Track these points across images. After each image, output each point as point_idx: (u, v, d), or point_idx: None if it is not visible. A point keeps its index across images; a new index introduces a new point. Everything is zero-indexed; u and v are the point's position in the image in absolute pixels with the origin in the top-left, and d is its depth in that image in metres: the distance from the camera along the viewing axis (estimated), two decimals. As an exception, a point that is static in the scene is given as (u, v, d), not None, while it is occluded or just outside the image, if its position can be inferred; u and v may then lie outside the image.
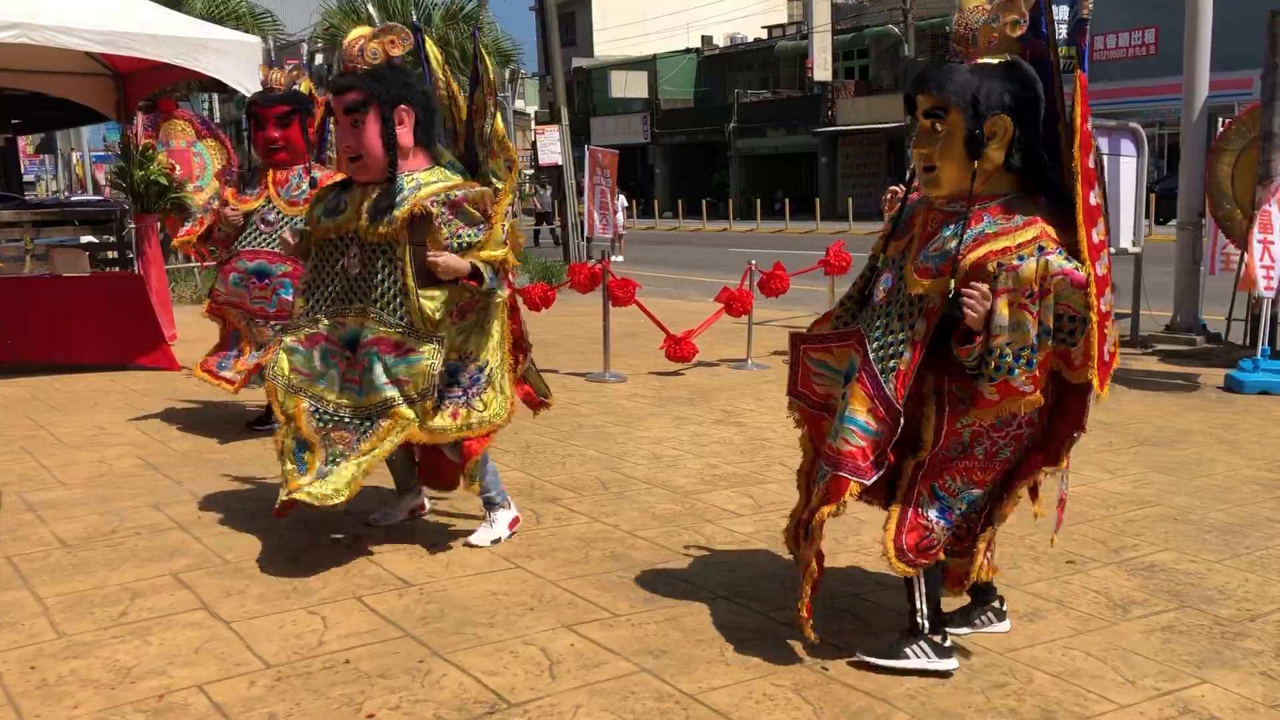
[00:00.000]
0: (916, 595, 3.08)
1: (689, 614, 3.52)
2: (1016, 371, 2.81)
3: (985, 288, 2.81)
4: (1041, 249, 2.82)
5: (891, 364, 2.95)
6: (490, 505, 4.29)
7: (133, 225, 9.35)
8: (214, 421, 6.44)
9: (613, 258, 16.05)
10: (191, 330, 10.02)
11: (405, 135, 3.93)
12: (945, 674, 3.04)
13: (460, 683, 3.06)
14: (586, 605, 3.61)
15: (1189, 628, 3.41)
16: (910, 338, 2.94)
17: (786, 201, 33.34)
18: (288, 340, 4.09)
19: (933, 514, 3.00)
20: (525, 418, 6.49)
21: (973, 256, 2.85)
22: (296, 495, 3.83)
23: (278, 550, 4.15)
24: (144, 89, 9.38)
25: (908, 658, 3.05)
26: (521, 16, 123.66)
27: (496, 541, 4.22)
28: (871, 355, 2.99)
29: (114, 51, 7.71)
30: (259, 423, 6.23)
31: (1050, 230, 2.85)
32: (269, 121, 5.79)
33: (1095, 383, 2.85)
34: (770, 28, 44.44)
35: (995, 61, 2.91)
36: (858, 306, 3.20)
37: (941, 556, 3.06)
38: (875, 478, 2.97)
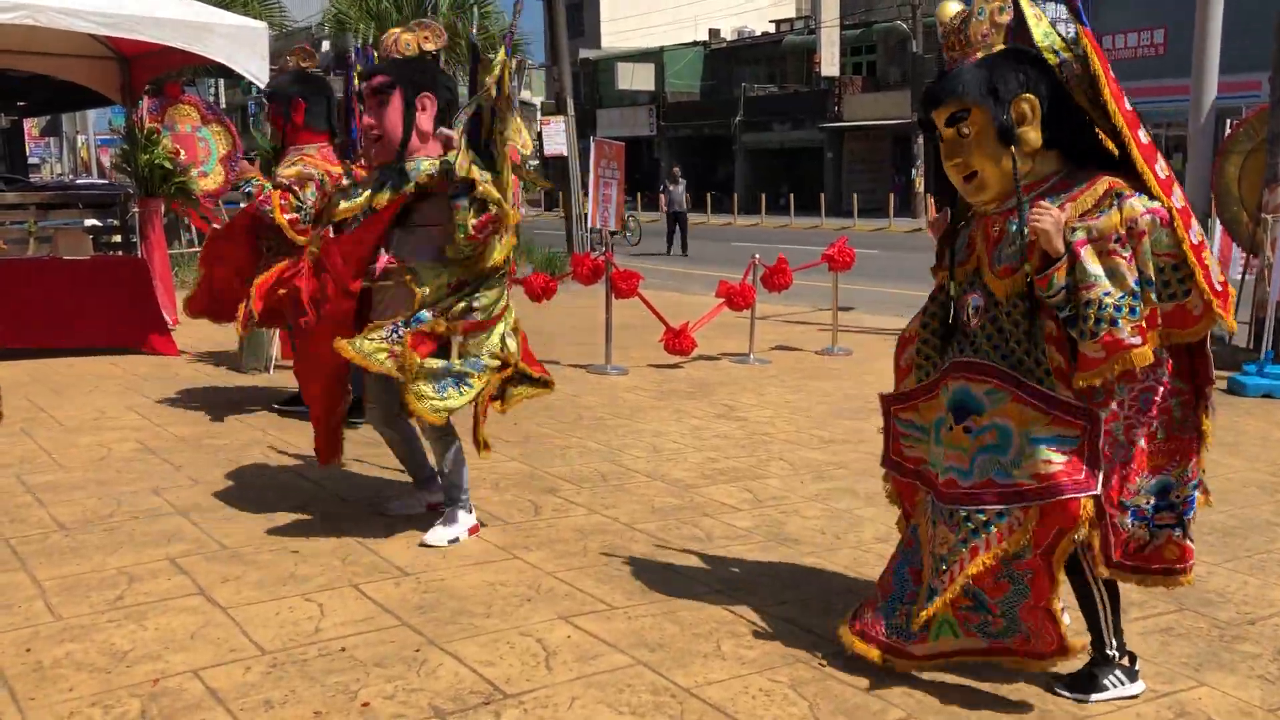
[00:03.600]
0: (1103, 622, 2.96)
1: (686, 608, 3.51)
2: (1120, 322, 2.63)
3: (1048, 204, 2.73)
4: (1120, 195, 2.70)
5: (1044, 369, 2.78)
6: (453, 502, 4.20)
7: (136, 209, 9.35)
8: (214, 407, 6.43)
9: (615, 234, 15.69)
10: (193, 315, 10.01)
11: (425, 121, 4.06)
12: (1134, 697, 2.95)
13: (456, 672, 3.05)
14: (584, 597, 3.60)
15: (1187, 630, 3.40)
16: (1040, 338, 2.79)
17: (791, 196, 33.28)
18: None
19: (1128, 521, 2.84)
20: (526, 408, 6.49)
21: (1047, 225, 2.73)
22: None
23: (275, 536, 4.15)
24: (149, 73, 9.36)
25: (1106, 688, 2.93)
26: (529, 6, 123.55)
27: (454, 541, 4.11)
28: (1013, 370, 2.81)
29: (119, 34, 7.68)
30: (287, 403, 6.25)
31: (1118, 179, 2.75)
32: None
33: (1218, 311, 2.67)
34: (778, 22, 44.33)
35: (996, 50, 2.86)
36: (941, 342, 3.04)
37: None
38: (1100, 486, 2.70)
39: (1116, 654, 2.97)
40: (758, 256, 8.76)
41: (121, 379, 7.30)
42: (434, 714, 2.83)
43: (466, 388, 3.97)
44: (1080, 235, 2.70)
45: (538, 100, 42.22)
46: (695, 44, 44.50)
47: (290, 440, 5.66)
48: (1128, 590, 3.70)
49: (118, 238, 9.78)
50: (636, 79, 42.28)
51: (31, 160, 27.20)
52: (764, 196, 34.24)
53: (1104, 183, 2.76)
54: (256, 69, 7.92)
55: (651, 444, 5.72)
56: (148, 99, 9.65)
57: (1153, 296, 2.69)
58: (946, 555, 2.85)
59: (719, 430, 6.04)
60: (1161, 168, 2.76)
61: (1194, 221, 2.75)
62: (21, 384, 7.06)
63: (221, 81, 36.68)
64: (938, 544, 2.90)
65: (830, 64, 36.14)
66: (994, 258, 2.87)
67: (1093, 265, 2.67)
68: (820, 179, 37.40)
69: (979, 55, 2.86)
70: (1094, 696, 2.93)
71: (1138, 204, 2.70)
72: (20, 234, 9.08)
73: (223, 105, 34.51)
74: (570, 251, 16.34)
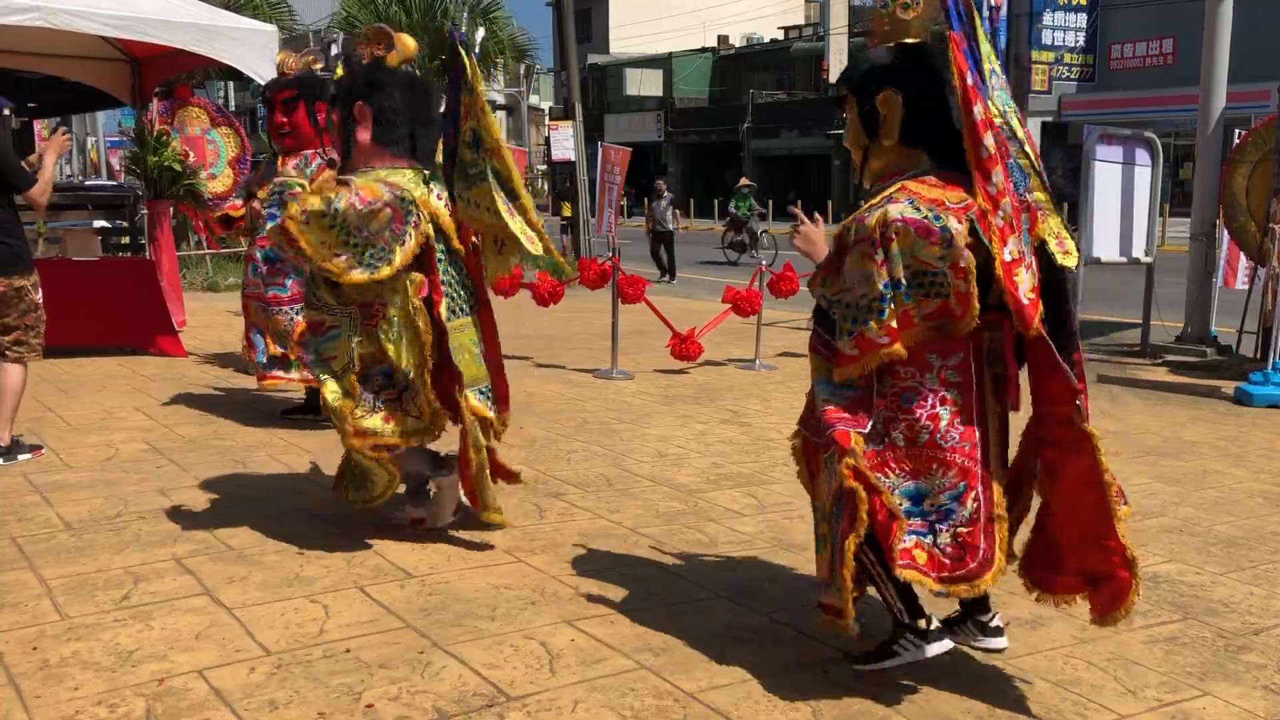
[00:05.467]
0: (883, 590, 2.98)
1: (690, 612, 3.52)
2: (870, 323, 2.81)
3: (805, 223, 3.00)
4: (890, 199, 2.81)
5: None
6: (424, 483, 4.28)
7: (145, 211, 9.38)
8: (221, 408, 6.45)
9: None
10: (201, 318, 10.06)
11: (362, 132, 3.97)
12: (941, 658, 2.96)
13: (460, 675, 3.06)
14: (588, 601, 3.61)
15: (1192, 639, 3.40)
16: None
17: (799, 203, 33.24)
18: None
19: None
20: (532, 411, 6.50)
21: (841, 225, 2.92)
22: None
23: (281, 538, 4.16)
24: (160, 75, 9.40)
25: (897, 654, 2.97)
26: (538, 11, 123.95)
27: (457, 511, 4.22)
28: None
29: (130, 36, 7.72)
30: (294, 411, 6.25)
31: (913, 186, 2.84)
32: (276, 106, 5.78)
33: (1021, 323, 2.76)
34: (787, 29, 44.37)
35: (894, 43, 2.96)
36: None
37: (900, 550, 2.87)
38: (870, 423, 2.89)
39: (906, 617, 2.97)
40: (765, 263, 8.77)
41: (129, 379, 7.33)
42: (438, 716, 2.83)
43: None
44: (850, 238, 2.86)
45: (546, 105, 42.33)
46: (704, 50, 44.54)
47: (296, 442, 5.67)
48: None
49: (126, 239, 9.81)
50: (645, 85, 42.34)
51: (41, 161, 27.09)
52: (771, 203, 34.21)
53: (894, 185, 2.88)
54: (265, 72, 7.95)
55: (656, 449, 5.72)
56: (158, 101, 9.69)
57: (903, 298, 2.81)
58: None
59: (724, 436, 6.05)
60: (997, 181, 2.77)
61: (1012, 241, 2.75)
62: (29, 384, 7.07)
63: (231, 84, 36.78)
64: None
65: (839, 71, 36.15)
66: None
67: (851, 269, 2.85)
68: (828, 186, 37.40)
69: (878, 45, 2.99)
70: (885, 664, 2.98)
71: (893, 210, 2.80)
72: (30, 235, 9.09)
73: (232, 108, 34.58)
74: (577, 256, 16.36)
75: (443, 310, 3.94)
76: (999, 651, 3.15)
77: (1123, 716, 2.90)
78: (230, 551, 4.02)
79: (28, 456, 4.92)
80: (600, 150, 15.69)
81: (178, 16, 7.78)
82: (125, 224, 9.65)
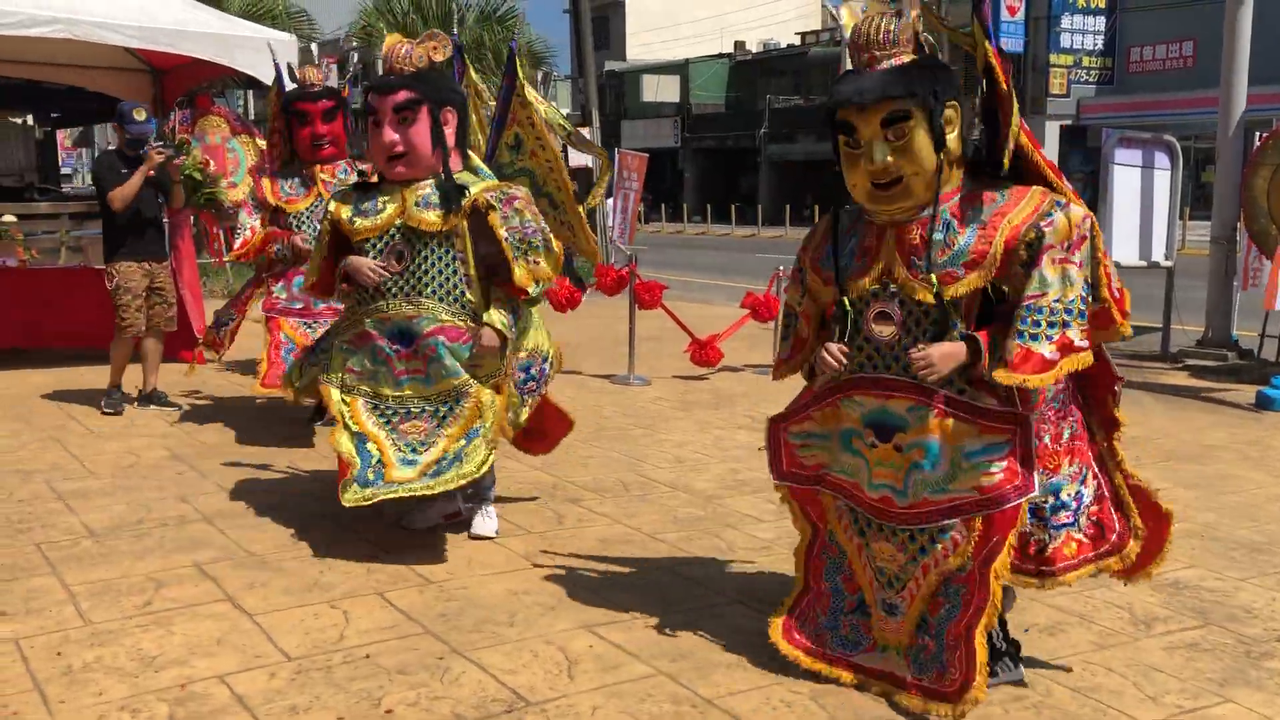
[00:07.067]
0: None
1: (708, 618, 3.52)
2: (1072, 325, 2.72)
3: (928, 350, 2.76)
4: (1059, 204, 2.78)
5: (964, 378, 2.81)
6: (484, 500, 4.37)
7: (166, 220, 9.43)
8: (241, 415, 6.49)
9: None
10: (221, 324, 10.09)
11: (449, 136, 4.07)
12: (1021, 680, 3.06)
13: (479, 680, 3.07)
14: (606, 607, 3.61)
15: (1213, 646, 3.38)
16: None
17: (816, 209, 33.21)
18: (341, 341, 4.21)
19: (1028, 520, 2.88)
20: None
21: (1005, 234, 2.75)
22: (389, 493, 3.95)
23: (301, 544, 4.18)
24: (181, 85, 9.48)
25: (997, 674, 3.01)
26: (555, 19, 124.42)
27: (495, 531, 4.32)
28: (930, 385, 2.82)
29: (151, 47, 7.80)
30: (316, 417, 6.24)
31: (1046, 190, 2.83)
32: (315, 117, 5.87)
33: (1115, 314, 2.78)
34: (804, 34, 44.28)
35: (914, 57, 2.81)
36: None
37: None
38: (1037, 487, 2.76)
39: (1001, 645, 3.03)
40: (782, 268, 8.75)
41: (150, 387, 7.37)
42: (457, 721, 2.85)
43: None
44: (1045, 242, 2.73)
45: (563, 112, 42.44)
46: (720, 56, 44.52)
47: (317, 448, 5.70)
48: (1150, 605, 3.69)
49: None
50: (661, 91, 42.33)
51: (64, 170, 27.49)
52: (789, 208, 34.17)
53: (1038, 193, 2.81)
54: (285, 82, 8.00)
55: (674, 454, 5.72)
56: (178, 110, 9.75)
57: (1091, 300, 2.78)
58: (899, 573, 2.92)
59: (742, 441, 6.04)
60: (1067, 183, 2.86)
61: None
62: (51, 390, 7.15)
63: (250, 93, 36.97)
64: (883, 559, 2.95)
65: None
66: (922, 268, 2.83)
67: (1050, 273, 2.73)
68: (845, 191, 37.27)
69: (901, 60, 2.80)
70: (988, 684, 2.96)
71: (1078, 211, 2.76)
72: (53, 243, 9.18)
73: (251, 117, 34.80)
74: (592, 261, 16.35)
75: None
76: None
77: (1143, 723, 2.89)
78: (251, 558, 4.05)
79: (111, 412, 6.28)
80: (617, 157, 15.71)
81: (198, 27, 7.86)
82: (147, 233, 9.71)
